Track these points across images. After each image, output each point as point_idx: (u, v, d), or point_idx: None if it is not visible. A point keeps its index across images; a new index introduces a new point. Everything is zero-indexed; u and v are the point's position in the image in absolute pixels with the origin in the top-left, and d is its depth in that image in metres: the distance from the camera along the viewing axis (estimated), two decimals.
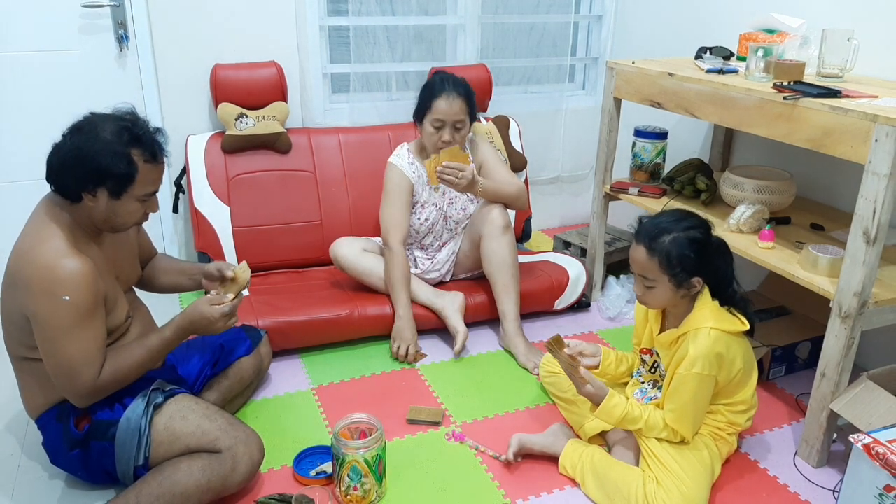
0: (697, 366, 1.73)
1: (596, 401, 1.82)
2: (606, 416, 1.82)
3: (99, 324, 1.62)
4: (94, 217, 1.65)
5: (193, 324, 1.74)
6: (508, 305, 2.47)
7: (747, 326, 1.81)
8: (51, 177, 1.63)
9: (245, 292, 2.55)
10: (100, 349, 1.62)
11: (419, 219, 2.62)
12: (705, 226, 1.79)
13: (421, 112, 2.52)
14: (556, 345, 1.85)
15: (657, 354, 1.93)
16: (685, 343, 1.77)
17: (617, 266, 3.05)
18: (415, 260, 2.67)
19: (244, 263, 1.90)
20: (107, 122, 1.61)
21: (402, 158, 2.60)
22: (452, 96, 2.45)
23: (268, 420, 2.12)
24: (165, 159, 1.70)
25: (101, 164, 1.57)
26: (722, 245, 1.83)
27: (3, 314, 1.69)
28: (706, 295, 1.82)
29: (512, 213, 3.10)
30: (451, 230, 2.68)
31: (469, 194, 2.55)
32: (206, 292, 1.84)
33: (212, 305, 1.74)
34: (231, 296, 1.80)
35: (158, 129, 1.68)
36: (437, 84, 2.49)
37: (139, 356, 1.69)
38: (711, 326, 1.75)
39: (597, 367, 2.03)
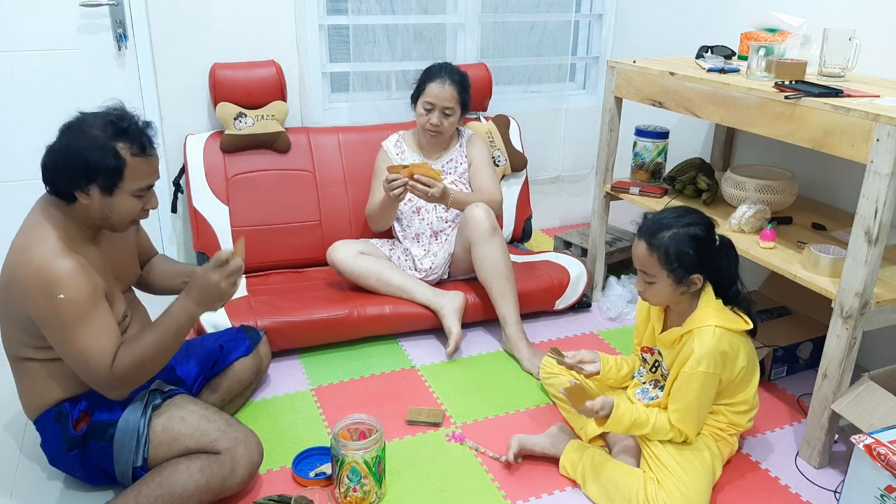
0: (703, 364, 1.72)
1: (605, 415, 1.78)
2: (616, 424, 1.77)
3: (104, 314, 1.61)
4: (91, 216, 1.65)
5: (197, 290, 1.65)
6: (507, 310, 2.46)
7: (750, 325, 1.81)
8: (46, 178, 1.62)
9: (244, 292, 2.55)
10: (111, 338, 1.61)
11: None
12: (707, 223, 1.78)
13: (416, 94, 2.65)
14: (556, 355, 1.85)
15: (659, 353, 1.93)
16: (689, 341, 1.77)
17: (618, 266, 3.05)
18: (413, 259, 2.66)
19: (242, 238, 1.82)
20: (93, 119, 1.60)
21: (391, 141, 2.76)
22: (446, 82, 2.57)
23: (267, 421, 2.12)
24: (156, 152, 1.67)
25: (87, 160, 1.56)
26: (727, 244, 1.82)
27: (1, 315, 1.68)
28: (709, 293, 1.81)
29: (511, 214, 3.10)
30: (442, 218, 2.67)
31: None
32: None
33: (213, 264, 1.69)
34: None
35: (148, 123, 1.67)
36: (434, 68, 2.63)
37: (150, 338, 1.65)
38: (716, 324, 1.74)
39: (598, 373, 2.01)
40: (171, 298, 2.70)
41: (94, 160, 1.56)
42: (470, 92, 2.66)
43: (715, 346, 1.73)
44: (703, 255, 1.75)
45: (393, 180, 2.40)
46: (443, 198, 2.46)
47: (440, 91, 2.56)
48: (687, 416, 1.77)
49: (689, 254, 1.73)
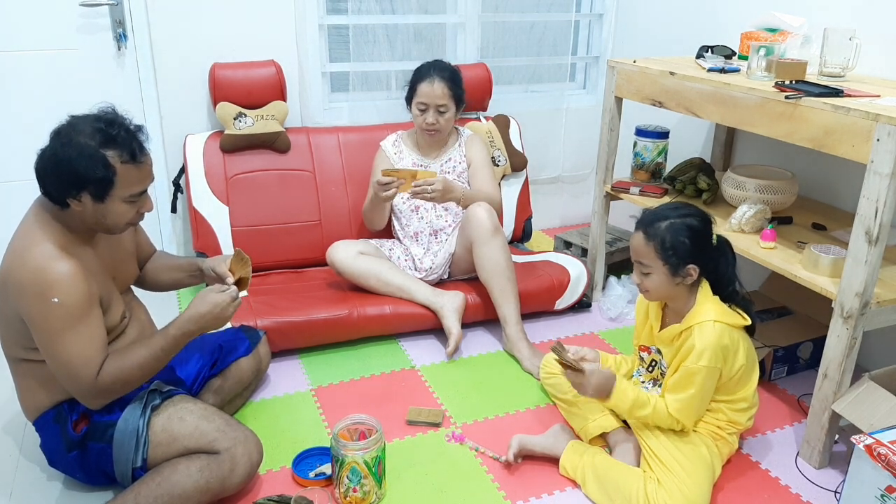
0: (704, 358, 1.73)
1: (606, 390, 1.80)
2: (620, 399, 1.78)
3: (94, 324, 1.61)
4: (85, 220, 1.64)
5: (205, 315, 1.69)
6: (508, 310, 2.45)
7: (749, 321, 1.81)
8: (38, 183, 1.61)
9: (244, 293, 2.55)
10: (97, 349, 1.61)
11: (401, 196, 2.65)
12: (704, 216, 1.80)
13: (409, 96, 2.66)
14: (560, 348, 1.85)
15: (657, 352, 1.93)
16: (689, 337, 1.77)
17: (618, 266, 3.04)
18: (413, 259, 2.66)
19: (238, 251, 1.88)
20: (83, 125, 1.57)
21: (389, 141, 2.76)
22: (435, 80, 2.58)
23: (267, 421, 2.12)
24: (148, 158, 1.65)
25: (76, 169, 1.54)
26: (724, 243, 1.83)
27: None
28: (706, 289, 1.82)
29: (511, 214, 3.10)
30: (441, 217, 2.67)
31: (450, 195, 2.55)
32: (206, 285, 1.84)
33: (219, 293, 1.72)
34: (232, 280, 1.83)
35: (139, 127, 1.64)
36: (423, 68, 2.64)
37: (142, 356, 1.66)
38: (715, 319, 1.75)
39: None
40: (171, 297, 2.73)
41: (83, 170, 1.54)
42: (462, 86, 2.66)
43: (716, 340, 1.73)
44: (699, 245, 1.76)
45: (386, 183, 2.41)
46: (448, 192, 2.46)
47: (430, 90, 2.57)
48: (687, 408, 1.77)
49: (685, 243, 1.74)
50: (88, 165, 1.54)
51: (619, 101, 2.61)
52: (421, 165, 2.70)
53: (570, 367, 1.83)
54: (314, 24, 2.92)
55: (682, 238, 1.75)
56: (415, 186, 2.41)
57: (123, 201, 1.62)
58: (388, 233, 2.80)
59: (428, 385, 2.31)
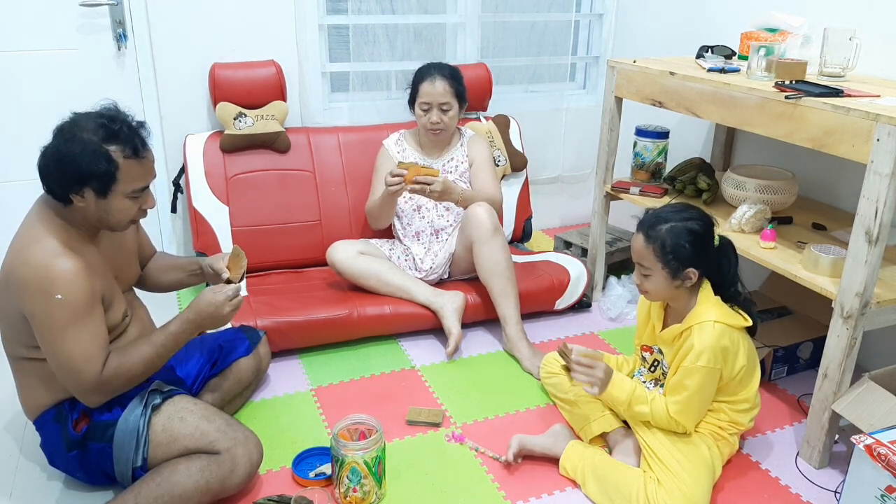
0: (703, 359, 1.73)
1: (606, 382, 1.82)
2: (618, 390, 1.81)
3: (97, 321, 1.61)
4: (88, 217, 1.64)
5: (200, 313, 1.72)
6: (508, 310, 2.45)
7: (749, 322, 1.82)
8: (41, 180, 1.62)
9: (244, 292, 2.55)
10: (100, 347, 1.61)
11: (402, 197, 2.65)
12: (706, 219, 1.79)
13: (412, 98, 2.66)
14: (566, 349, 1.86)
15: (659, 352, 1.93)
16: (689, 337, 1.77)
17: (618, 266, 3.04)
18: (413, 259, 2.66)
19: (235, 248, 1.93)
20: (85, 121, 1.58)
21: (391, 140, 2.77)
22: (436, 79, 2.59)
23: (267, 421, 2.12)
24: (150, 153, 1.66)
25: (79, 164, 1.55)
26: (727, 244, 1.83)
27: (0, 314, 1.68)
28: (708, 290, 1.82)
29: (511, 214, 3.10)
30: (443, 216, 2.67)
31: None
32: (207, 285, 1.84)
33: (217, 292, 1.74)
34: (228, 276, 1.85)
35: (141, 123, 1.65)
36: (423, 69, 2.66)
37: (145, 353, 1.67)
38: (715, 320, 1.75)
39: None
40: (171, 297, 2.73)
41: (86, 165, 1.55)
42: (464, 84, 2.66)
43: (716, 341, 1.73)
44: (700, 249, 1.76)
45: (397, 174, 2.41)
46: (446, 193, 2.46)
47: (432, 88, 2.57)
48: (686, 409, 1.77)
49: (685, 247, 1.74)
50: (91, 160, 1.55)
51: (619, 101, 2.61)
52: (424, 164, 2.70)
53: (577, 364, 1.84)
54: (314, 24, 2.92)
55: (683, 242, 1.75)
56: (414, 182, 2.41)
57: (126, 197, 1.63)
58: (388, 233, 2.80)
59: (428, 385, 2.31)
